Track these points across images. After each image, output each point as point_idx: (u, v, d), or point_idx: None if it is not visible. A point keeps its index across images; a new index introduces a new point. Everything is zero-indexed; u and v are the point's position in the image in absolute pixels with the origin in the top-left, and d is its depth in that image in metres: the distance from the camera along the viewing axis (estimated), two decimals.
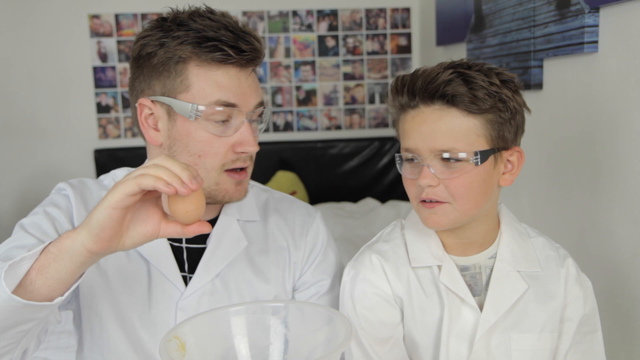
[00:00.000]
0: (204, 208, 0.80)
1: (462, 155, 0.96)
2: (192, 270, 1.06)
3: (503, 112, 0.96)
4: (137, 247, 0.81)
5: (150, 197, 0.80)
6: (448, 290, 1.02)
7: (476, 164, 0.96)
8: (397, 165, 1.03)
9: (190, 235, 0.81)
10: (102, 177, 1.14)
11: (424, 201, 0.99)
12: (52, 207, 1.04)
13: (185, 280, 1.06)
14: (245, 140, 1.00)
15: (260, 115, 1.05)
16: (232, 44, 0.96)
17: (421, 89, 0.97)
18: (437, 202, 0.98)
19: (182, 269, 1.06)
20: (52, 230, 1.00)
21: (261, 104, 1.03)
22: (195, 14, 1.00)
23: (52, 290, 0.78)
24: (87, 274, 1.04)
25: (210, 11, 1.01)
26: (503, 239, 1.06)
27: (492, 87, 0.96)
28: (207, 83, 0.98)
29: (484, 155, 0.96)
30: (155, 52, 0.99)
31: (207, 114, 0.98)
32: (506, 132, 0.98)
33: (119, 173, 1.12)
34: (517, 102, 0.99)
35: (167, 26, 0.99)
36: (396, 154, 1.03)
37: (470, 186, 0.97)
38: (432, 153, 0.97)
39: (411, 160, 1.00)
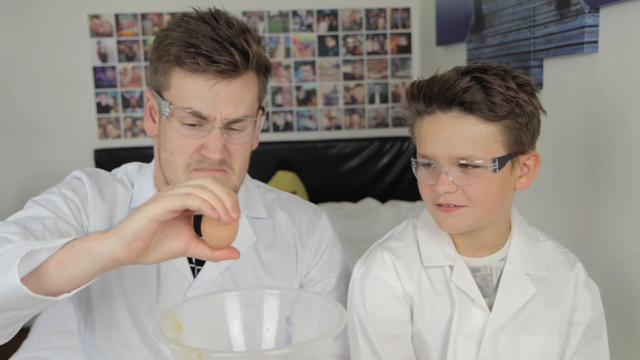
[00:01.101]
0: (235, 236, 0.80)
1: (479, 162, 0.96)
2: (200, 262, 1.08)
3: (520, 117, 0.96)
4: (160, 262, 0.80)
5: (185, 214, 0.80)
6: (459, 291, 1.03)
7: (494, 170, 0.96)
8: (413, 170, 1.03)
9: (218, 261, 0.81)
10: (115, 171, 1.16)
11: (439, 205, 0.99)
12: (66, 189, 1.05)
13: (194, 272, 1.08)
14: (209, 145, 0.99)
15: (240, 126, 1.02)
16: (207, 53, 0.96)
17: (438, 96, 0.96)
18: (454, 206, 0.98)
19: (189, 261, 1.08)
20: (66, 208, 1.01)
21: (241, 118, 1.00)
22: (204, 16, 1.00)
23: (64, 285, 0.77)
24: None
25: (216, 15, 1.00)
26: (514, 242, 1.06)
27: (509, 91, 0.95)
28: (183, 88, 0.99)
29: (501, 162, 0.96)
30: (155, 47, 1.03)
31: (177, 116, 0.99)
32: (523, 137, 0.98)
33: (131, 167, 1.15)
34: (534, 105, 0.99)
35: (176, 25, 1.01)
36: (412, 159, 1.03)
37: (488, 192, 0.97)
38: (450, 160, 0.96)
39: (427, 165, 1.00)
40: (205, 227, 0.79)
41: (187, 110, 0.98)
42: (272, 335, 0.86)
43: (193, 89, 0.98)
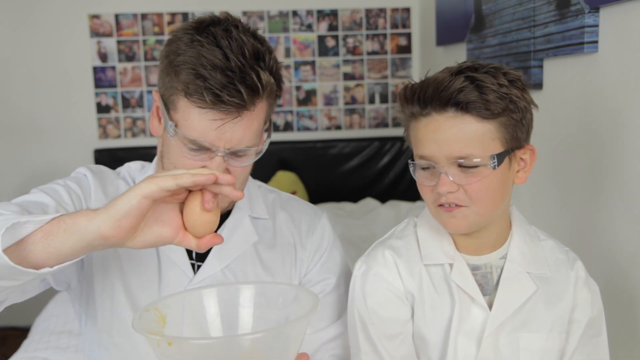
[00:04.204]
0: (217, 222, 0.81)
1: (478, 160, 0.96)
2: (200, 259, 1.09)
3: (514, 112, 0.97)
4: (146, 248, 0.81)
5: (176, 200, 0.81)
6: (459, 289, 1.03)
7: (493, 167, 0.97)
8: (411, 172, 1.03)
9: (203, 250, 0.82)
10: (118, 169, 1.17)
11: (441, 205, 1.00)
12: (72, 182, 1.07)
13: (194, 268, 1.09)
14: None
15: (243, 153, 1.02)
16: (217, 91, 0.93)
17: (433, 98, 0.97)
18: (456, 205, 0.99)
19: (190, 257, 1.09)
20: (68, 198, 1.03)
21: (244, 149, 1.00)
22: (217, 35, 0.96)
23: (48, 259, 0.77)
24: (103, 252, 1.05)
25: (229, 37, 0.96)
26: (514, 240, 1.07)
27: (502, 88, 0.96)
28: (190, 117, 0.97)
29: (500, 158, 0.97)
30: (167, 54, 1.00)
31: (181, 139, 0.99)
32: (519, 132, 0.99)
33: (133, 166, 1.17)
34: (526, 100, 1.00)
35: (190, 34, 0.98)
36: (409, 161, 1.03)
37: (488, 189, 0.98)
38: (449, 160, 0.97)
39: (426, 167, 1.00)
40: (188, 214, 0.79)
41: (191, 140, 0.97)
42: (249, 323, 0.87)
43: (198, 124, 0.96)
